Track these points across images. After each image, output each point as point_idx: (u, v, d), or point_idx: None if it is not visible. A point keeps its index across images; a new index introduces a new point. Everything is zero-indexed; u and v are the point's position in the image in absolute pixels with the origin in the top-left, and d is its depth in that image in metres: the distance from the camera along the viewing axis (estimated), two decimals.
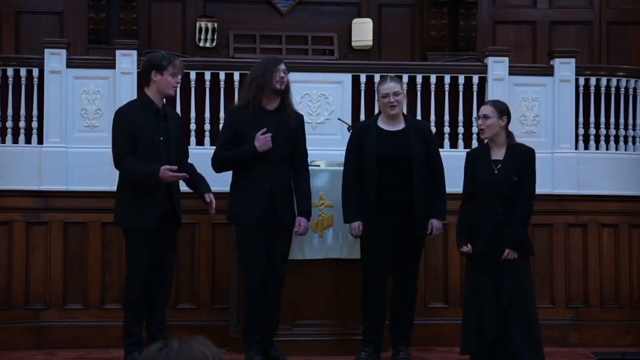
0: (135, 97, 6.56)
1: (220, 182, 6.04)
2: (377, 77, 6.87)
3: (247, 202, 5.78)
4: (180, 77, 5.82)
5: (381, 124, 6.00)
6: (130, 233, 5.70)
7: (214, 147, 6.07)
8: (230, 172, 5.92)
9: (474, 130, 6.99)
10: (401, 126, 5.99)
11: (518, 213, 5.51)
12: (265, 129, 5.68)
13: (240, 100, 6.08)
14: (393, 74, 6.42)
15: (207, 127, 6.80)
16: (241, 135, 5.79)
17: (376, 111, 6.77)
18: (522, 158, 5.59)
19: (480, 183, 5.62)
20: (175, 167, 5.58)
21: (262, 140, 5.68)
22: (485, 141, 5.75)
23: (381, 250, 5.88)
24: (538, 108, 7.05)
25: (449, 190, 6.19)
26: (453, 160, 6.47)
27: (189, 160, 5.94)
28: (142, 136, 5.64)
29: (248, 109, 5.78)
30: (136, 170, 5.63)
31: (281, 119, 5.80)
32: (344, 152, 6.07)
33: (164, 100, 5.85)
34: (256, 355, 5.79)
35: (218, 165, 5.89)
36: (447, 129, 6.97)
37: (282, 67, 5.80)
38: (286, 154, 5.83)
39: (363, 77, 6.96)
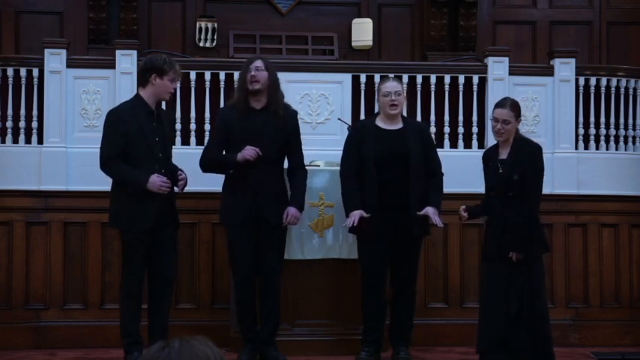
0: None
1: (209, 182, 6.07)
2: (377, 77, 6.87)
3: (232, 204, 5.80)
4: (178, 83, 5.82)
5: (379, 123, 6.01)
6: (125, 234, 5.69)
7: None
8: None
9: (474, 130, 7.00)
10: (399, 125, 6.00)
11: (525, 214, 5.49)
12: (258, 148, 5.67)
13: (230, 99, 6.10)
14: (393, 74, 6.43)
15: (207, 127, 6.80)
16: (230, 134, 5.80)
17: (376, 111, 6.79)
18: (526, 157, 5.54)
19: (488, 183, 5.64)
20: (166, 179, 5.56)
21: (249, 152, 5.65)
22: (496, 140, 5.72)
23: (379, 249, 5.89)
24: (538, 108, 7.06)
25: (449, 190, 6.20)
26: (453, 160, 6.49)
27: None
28: (137, 138, 5.60)
29: (236, 109, 5.81)
30: (121, 176, 5.62)
31: (269, 118, 5.79)
32: None
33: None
34: (243, 355, 5.83)
35: (203, 166, 5.92)
36: (447, 129, 6.97)
37: (256, 64, 5.78)
38: (275, 154, 5.82)
39: (363, 77, 6.96)
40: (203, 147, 6.65)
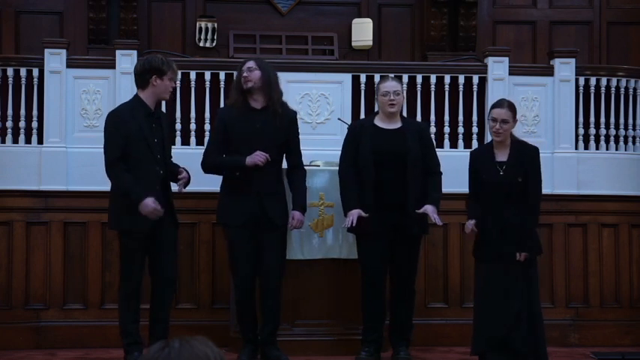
0: None
1: (209, 182, 6.09)
2: (377, 77, 6.87)
3: (232, 204, 5.81)
4: (176, 82, 5.82)
5: (378, 122, 6.02)
6: (124, 235, 5.69)
7: None
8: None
9: (474, 130, 7.00)
10: (397, 125, 6.01)
11: (526, 214, 5.51)
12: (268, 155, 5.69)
13: (228, 99, 6.12)
14: (392, 74, 6.43)
15: (207, 127, 6.81)
16: (230, 134, 5.82)
17: (376, 110, 6.79)
18: (527, 158, 5.59)
19: (484, 184, 5.63)
20: (160, 208, 5.53)
21: (258, 157, 5.67)
22: (489, 139, 5.76)
23: (378, 249, 5.89)
24: (538, 108, 7.06)
25: (449, 190, 6.20)
26: (453, 160, 6.48)
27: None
28: (137, 138, 5.60)
29: (236, 108, 5.83)
30: (121, 185, 5.60)
31: (268, 118, 5.80)
32: None
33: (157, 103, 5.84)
34: (243, 356, 5.83)
35: (206, 168, 5.94)
36: (447, 129, 6.98)
37: (247, 65, 5.82)
38: (275, 154, 5.82)
39: (363, 77, 6.96)
40: (203, 147, 6.69)
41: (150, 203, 5.50)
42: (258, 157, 5.69)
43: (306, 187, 5.97)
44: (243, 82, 5.80)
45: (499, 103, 5.70)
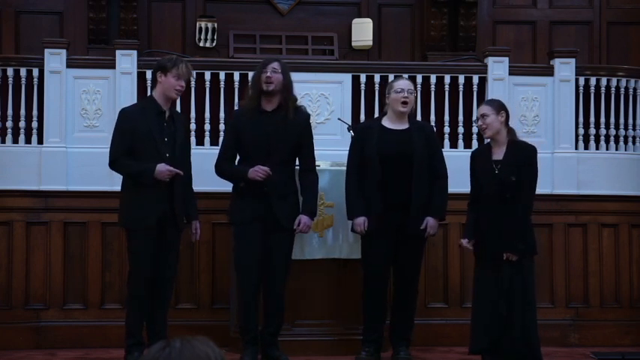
0: (134, 97, 6.61)
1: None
2: (377, 77, 6.89)
3: (242, 204, 5.81)
4: (184, 82, 5.80)
5: (386, 122, 6.01)
6: (131, 232, 5.71)
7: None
8: None
9: (474, 130, 7.00)
10: (405, 125, 6.00)
11: (517, 213, 5.51)
12: (268, 168, 5.69)
13: (244, 99, 6.12)
14: (393, 75, 6.43)
15: (207, 127, 6.81)
16: (241, 136, 5.82)
17: (376, 111, 6.80)
18: (522, 157, 5.59)
19: (480, 183, 5.64)
20: (172, 168, 5.57)
21: (257, 172, 5.68)
22: (487, 140, 5.77)
23: (382, 249, 5.89)
24: (538, 108, 7.06)
25: (449, 190, 6.19)
26: (453, 160, 6.47)
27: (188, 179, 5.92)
28: (143, 136, 5.63)
29: (247, 111, 5.82)
30: (131, 171, 5.66)
31: (280, 120, 5.79)
32: (344, 152, 6.10)
33: (170, 102, 5.85)
34: (246, 357, 5.82)
35: (218, 174, 5.96)
36: (447, 129, 6.98)
37: (272, 66, 5.78)
38: (286, 156, 5.82)
39: (363, 77, 6.95)
40: (202, 147, 6.71)
41: (162, 169, 5.55)
42: (258, 173, 5.69)
43: (317, 192, 5.95)
44: (265, 83, 5.76)
45: (481, 104, 5.80)
